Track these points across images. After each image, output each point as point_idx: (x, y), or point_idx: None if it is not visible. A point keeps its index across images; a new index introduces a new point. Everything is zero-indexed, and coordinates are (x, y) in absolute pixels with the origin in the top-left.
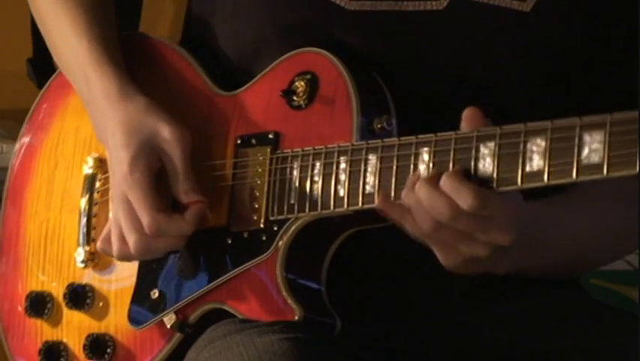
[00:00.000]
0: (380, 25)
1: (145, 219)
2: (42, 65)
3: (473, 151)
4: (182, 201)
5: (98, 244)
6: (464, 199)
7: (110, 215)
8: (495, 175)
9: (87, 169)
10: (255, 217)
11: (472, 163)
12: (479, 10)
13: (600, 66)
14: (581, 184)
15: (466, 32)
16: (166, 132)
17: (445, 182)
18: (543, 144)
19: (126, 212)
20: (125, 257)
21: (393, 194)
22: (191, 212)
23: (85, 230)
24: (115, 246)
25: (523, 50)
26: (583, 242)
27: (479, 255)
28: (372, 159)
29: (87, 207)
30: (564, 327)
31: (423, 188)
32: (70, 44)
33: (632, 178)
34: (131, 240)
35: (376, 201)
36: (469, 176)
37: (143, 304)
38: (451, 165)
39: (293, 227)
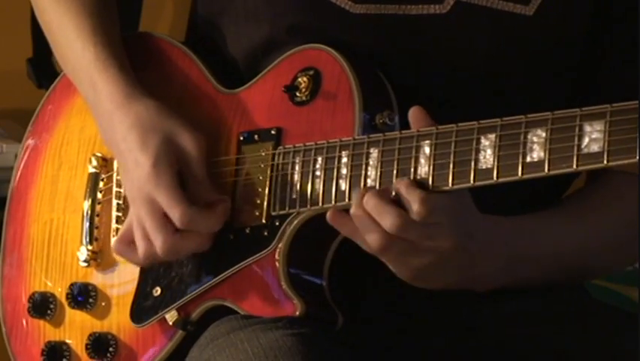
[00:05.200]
0: (384, 28)
1: (177, 212)
2: (42, 65)
3: (474, 143)
4: (205, 201)
5: (114, 245)
6: (412, 207)
7: (114, 214)
8: (495, 168)
9: (91, 168)
10: (257, 213)
11: (473, 155)
12: (482, 14)
13: (602, 67)
14: (570, 196)
15: (469, 36)
16: (185, 136)
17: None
18: (544, 134)
19: (152, 212)
20: (150, 258)
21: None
22: (220, 208)
23: (88, 230)
24: (141, 247)
25: (526, 53)
26: (577, 254)
27: (425, 263)
28: (374, 152)
29: (90, 207)
30: (564, 326)
31: (372, 199)
32: (76, 49)
33: (624, 179)
34: (159, 240)
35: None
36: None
37: (145, 302)
38: (451, 157)
39: (295, 222)
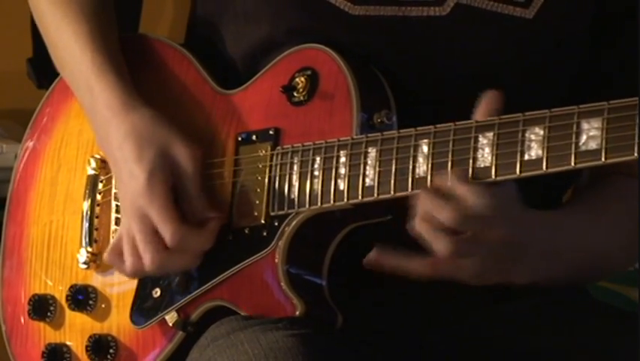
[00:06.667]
0: (384, 29)
1: (168, 231)
2: (42, 65)
3: (472, 142)
4: (197, 218)
5: (105, 255)
6: (472, 200)
7: (114, 215)
8: (493, 166)
9: (90, 170)
10: (256, 213)
11: (471, 153)
12: (482, 16)
13: (602, 70)
14: (599, 189)
15: (469, 38)
16: (180, 149)
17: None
18: (541, 132)
19: (143, 227)
20: (138, 272)
21: (392, 186)
22: (211, 225)
23: (87, 231)
24: (128, 261)
25: (526, 55)
26: (608, 249)
27: (485, 255)
28: (372, 152)
29: (89, 209)
30: (564, 326)
31: (426, 198)
32: (74, 54)
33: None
34: (148, 256)
35: (375, 195)
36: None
37: (144, 304)
38: (450, 156)
39: (294, 222)
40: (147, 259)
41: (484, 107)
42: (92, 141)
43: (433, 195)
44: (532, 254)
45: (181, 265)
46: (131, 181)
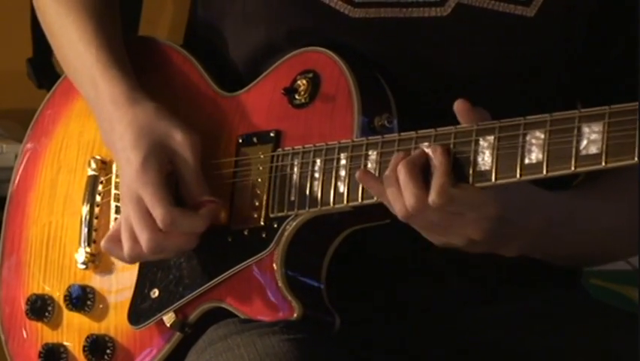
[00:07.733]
0: (385, 32)
1: (159, 212)
2: (42, 65)
3: (472, 145)
4: (195, 202)
5: (103, 243)
6: (431, 194)
7: (113, 216)
8: (493, 170)
9: (90, 171)
10: (256, 215)
11: (472, 157)
12: (483, 16)
13: (603, 69)
14: (605, 178)
15: (471, 38)
16: (178, 136)
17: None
18: (542, 136)
19: (138, 210)
20: (136, 256)
21: None
22: (205, 209)
23: (86, 232)
24: (126, 245)
25: (527, 54)
26: (607, 233)
27: (453, 242)
28: (373, 154)
29: (89, 209)
30: (564, 327)
31: (402, 169)
32: (78, 50)
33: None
34: (144, 238)
35: (374, 198)
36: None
37: (143, 304)
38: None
39: (293, 224)
40: (143, 241)
41: (466, 120)
42: (93, 143)
43: (409, 169)
44: (527, 233)
45: (177, 246)
46: (127, 167)
